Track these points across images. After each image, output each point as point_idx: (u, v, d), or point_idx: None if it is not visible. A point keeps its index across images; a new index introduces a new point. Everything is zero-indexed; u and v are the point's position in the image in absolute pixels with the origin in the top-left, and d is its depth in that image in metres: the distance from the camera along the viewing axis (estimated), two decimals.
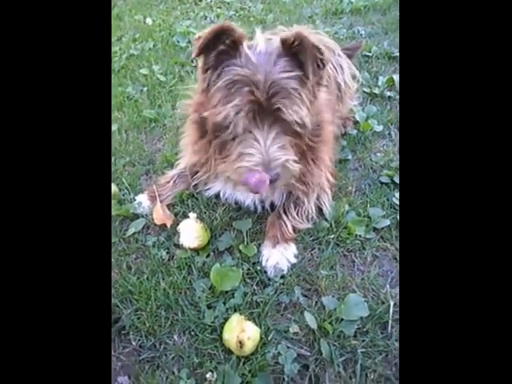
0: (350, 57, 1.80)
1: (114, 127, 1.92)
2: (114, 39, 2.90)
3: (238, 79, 0.98)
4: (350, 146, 1.70)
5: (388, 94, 1.99)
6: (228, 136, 1.06)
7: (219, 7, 3.24)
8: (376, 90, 2.01)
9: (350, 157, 1.63)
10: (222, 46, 1.01)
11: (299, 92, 1.01)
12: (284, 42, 1.01)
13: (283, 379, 0.98)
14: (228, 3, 3.30)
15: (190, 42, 2.69)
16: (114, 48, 2.74)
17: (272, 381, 0.98)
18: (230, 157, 1.08)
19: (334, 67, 1.60)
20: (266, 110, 0.99)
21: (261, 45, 1.05)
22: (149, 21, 3.13)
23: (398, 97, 1.96)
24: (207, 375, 0.98)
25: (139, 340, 1.09)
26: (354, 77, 1.75)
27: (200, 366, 1.02)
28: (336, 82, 1.59)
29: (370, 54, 2.32)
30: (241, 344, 0.98)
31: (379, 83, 2.06)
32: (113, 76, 2.40)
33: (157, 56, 2.58)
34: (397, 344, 1.01)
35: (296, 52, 1.00)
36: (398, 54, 2.30)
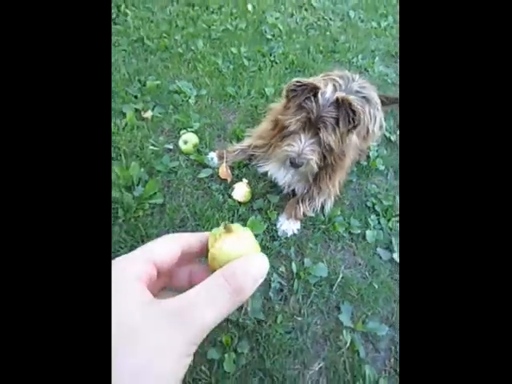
0: (383, 104, 2.47)
1: (203, 92, 2.59)
2: (215, 6, 3.46)
3: (305, 108, 1.68)
4: (357, 171, 2.42)
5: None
6: (287, 133, 1.78)
7: (306, 9, 3.77)
8: (393, 138, 2.69)
9: (354, 180, 2.36)
10: (305, 94, 1.70)
11: (334, 128, 1.68)
12: (337, 99, 1.66)
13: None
14: (315, 8, 3.82)
15: (274, 35, 3.28)
16: (214, 16, 3.31)
17: None
18: (284, 144, 1.80)
19: (370, 117, 2.28)
20: (311, 127, 1.70)
21: (326, 95, 1.68)
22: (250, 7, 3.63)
23: None
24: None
25: None
26: (381, 127, 2.43)
27: None
28: (367, 128, 2.28)
29: None
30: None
31: (398, 132, 2.74)
32: (208, 44, 3.02)
33: (246, 38, 3.18)
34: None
35: (340, 107, 1.66)
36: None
